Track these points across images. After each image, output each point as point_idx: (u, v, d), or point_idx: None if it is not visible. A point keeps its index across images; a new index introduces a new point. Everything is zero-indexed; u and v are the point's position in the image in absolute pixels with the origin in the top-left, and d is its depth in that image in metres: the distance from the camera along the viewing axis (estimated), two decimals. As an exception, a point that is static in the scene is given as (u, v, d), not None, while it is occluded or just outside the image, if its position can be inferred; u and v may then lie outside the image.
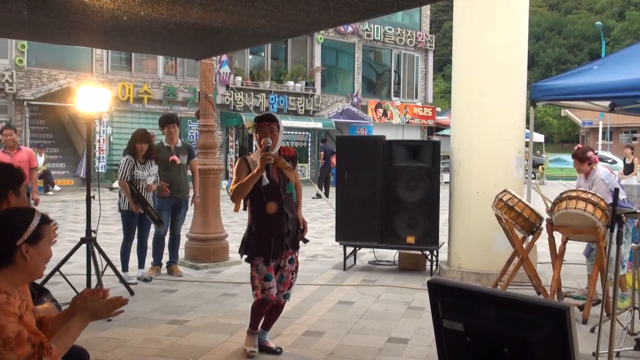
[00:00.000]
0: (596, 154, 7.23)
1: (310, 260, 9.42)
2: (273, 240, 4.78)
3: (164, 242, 8.11)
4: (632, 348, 5.07)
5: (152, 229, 7.88)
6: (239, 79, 26.33)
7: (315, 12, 5.20)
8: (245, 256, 4.91)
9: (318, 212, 16.81)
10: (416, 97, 33.85)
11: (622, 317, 5.58)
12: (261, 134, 4.74)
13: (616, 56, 9.29)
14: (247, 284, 7.59)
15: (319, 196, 20.24)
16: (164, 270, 8.17)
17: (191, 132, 24.68)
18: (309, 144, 29.15)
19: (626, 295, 6.38)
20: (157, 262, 8.12)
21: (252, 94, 26.65)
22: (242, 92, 26.08)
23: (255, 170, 4.63)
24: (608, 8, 78.63)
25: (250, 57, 27.70)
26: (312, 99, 28.56)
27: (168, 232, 8.11)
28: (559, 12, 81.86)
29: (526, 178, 8.47)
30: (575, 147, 7.35)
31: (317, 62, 29.24)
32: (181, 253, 8.62)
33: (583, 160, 6.96)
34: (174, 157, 7.91)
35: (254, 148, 5.19)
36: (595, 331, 5.28)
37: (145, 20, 5.61)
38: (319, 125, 27.90)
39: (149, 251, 7.96)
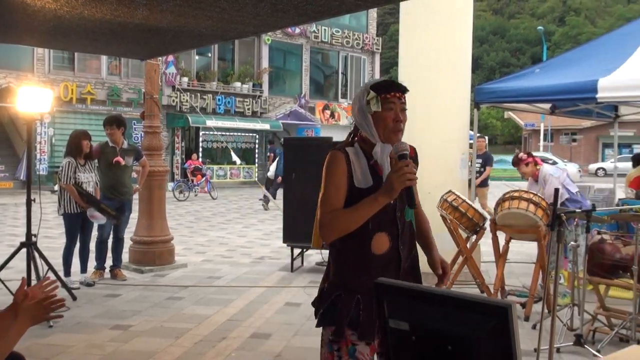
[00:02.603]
0: (532, 155, 7.49)
1: (257, 263, 9.38)
2: None
3: (107, 245, 7.96)
4: (572, 343, 5.21)
5: (95, 233, 7.73)
6: (185, 79, 26.05)
7: (263, 15, 5.19)
8: (329, 328, 2.67)
9: (265, 214, 16.76)
10: (363, 99, 34.10)
11: (562, 313, 5.74)
12: (387, 114, 2.65)
13: (557, 60, 9.55)
14: (193, 287, 7.56)
15: (266, 198, 20.16)
16: (107, 274, 8.00)
17: (136, 134, 24.28)
18: (257, 146, 29.04)
19: (567, 292, 6.56)
20: (100, 266, 7.96)
21: (199, 94, 26.40)
22: (188, 93, 25.80)
23: (382, 194, 2.53)
24: (549, 13, 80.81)
25: (196, 57, 27.43)
26: (259, 100, 28.46)
27: (111, 236, 7.97)
28: (502, 17, 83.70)
29: (470, 179, 8.63)
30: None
31: (265, 64, 29.17)
32: (125, 257, 8.48)
33: (518, 162, 7.35)
34: (119, 158, 7.78)
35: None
36: (536, 328, 5.42)
37: (89, 20, 5.50)
38: (267, 126, 27.82)
39: (92, 255, 7.81)
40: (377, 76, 34.81)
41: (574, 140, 52.14)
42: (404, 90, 2.75)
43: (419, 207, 2.94)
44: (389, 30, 64.45)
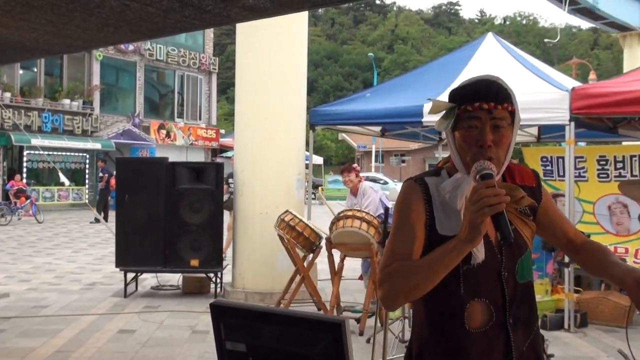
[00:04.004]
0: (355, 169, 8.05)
1: (88, 289, 8.93)
2: None
3: None
4: (404, 355, 5.45)
5: None
6: (8, 95, 24.34)
7: (93, 29, 5.00)
8: None
9: (97, 238, 16.02)
10: (200, 119, 33.78)
11: (394, 326, 6.00)
12: (467, 134, 1.85)
13: (386, 85, 10.05)
14: (16, 318, 7.04)
15: (97, 220, 19.31)
16: None
17: (-50, 153, 22.30)
18: (87, 166, 27.74)
19: (397, 306, 6.86)
20: None
21: (23, 111, 24.76)
22: (11, 110, 24.11)
23: (464, 234, 1.69)
24: (379, 41, 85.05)
25: (21, 72, 25.76)
26: (90, 118, 27.25)
27: None
28: (335, 42, 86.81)
29: (306, 199, 8.80)
30: (341, 167, 8.20)
31: (96, 80, 28.00)
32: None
33: (350, 170, 7.80)
34: None
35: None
36: (370, 341, 5.61)
37: None
38: (98, 146, 26.68)
39: None
40: (214, 96, 34.67)
41: (403, 161, 55.15)
42: (497, 98, 1.83)
43: (584, 238, 2.08)
44: (226, 51, 64.57)
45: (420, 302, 1.92)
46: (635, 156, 8.28)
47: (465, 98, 1.84)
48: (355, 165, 8.16)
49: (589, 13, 26.28)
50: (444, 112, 1.87)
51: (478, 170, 1.74)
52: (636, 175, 8.18)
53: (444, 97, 7.08)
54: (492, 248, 1.85)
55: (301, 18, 8.26)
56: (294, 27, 8.15)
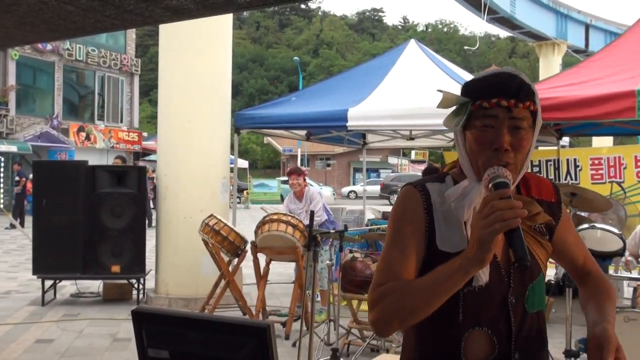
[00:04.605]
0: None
1: (3, 298, 8.57)
2: None
3: None
4: (329, 357, 5.48)
5: None
6: None
7: (9, 27, 4.80)
8: None
9: (12, 244, 15.41)
10: (122, 122, 33.01)
11: (320, 330, 6.02)
12: (480, 134, 1.59)
13: (311, 89, 10.12)
14: None
15: (13, 226, 18.57)
16: None
17: None
18: (2, 169, 26.64)
19: (324, 309, 6.90)
20: None
21: None
22: None
23: (471, 252, 1.45)
24: (304, 45, 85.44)
25: None
26: (5, 120, 26.20)
27: None
28: (260, 46, 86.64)
29: (232, 203, 8.74)
30: (288, 169, 8.06)
31: (12, 80, 26.95)
32: None
33: (300, 173, 7.62)
34: None
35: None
36: (296, 345, 5.61)
37: None
38: (14, 148, 25.68)
39: None
40: (136, 98, 33.94)
41: (329, 165, 55.55)
42: (518, 95, 1.56)
43: (592, 268, 1.83)
44: (148, 52, 63.38)
45: (411, 328, 1.68)
46: (550, 160, 8.63)
47: (481, 92, 1.58)
48: (304, 168, 8.13)
49: (507, 22, 27.27)
50: (455, 107, 1.61)
51: (492, 178, 1.50)
52: (552, 179, 8.51)
53: (368, 102, 7.17)
54: (498, 269, 1.60)
55: (226, 20, 8.20)
56: (219, 29, 8.08)
